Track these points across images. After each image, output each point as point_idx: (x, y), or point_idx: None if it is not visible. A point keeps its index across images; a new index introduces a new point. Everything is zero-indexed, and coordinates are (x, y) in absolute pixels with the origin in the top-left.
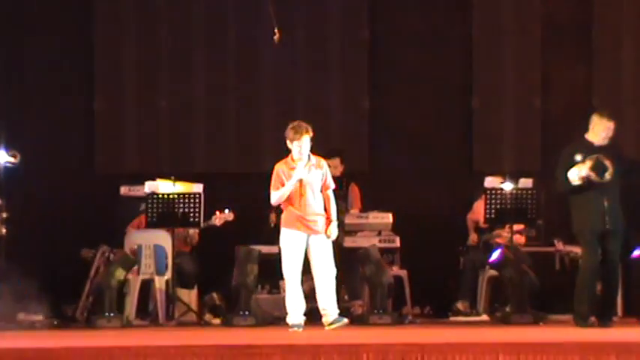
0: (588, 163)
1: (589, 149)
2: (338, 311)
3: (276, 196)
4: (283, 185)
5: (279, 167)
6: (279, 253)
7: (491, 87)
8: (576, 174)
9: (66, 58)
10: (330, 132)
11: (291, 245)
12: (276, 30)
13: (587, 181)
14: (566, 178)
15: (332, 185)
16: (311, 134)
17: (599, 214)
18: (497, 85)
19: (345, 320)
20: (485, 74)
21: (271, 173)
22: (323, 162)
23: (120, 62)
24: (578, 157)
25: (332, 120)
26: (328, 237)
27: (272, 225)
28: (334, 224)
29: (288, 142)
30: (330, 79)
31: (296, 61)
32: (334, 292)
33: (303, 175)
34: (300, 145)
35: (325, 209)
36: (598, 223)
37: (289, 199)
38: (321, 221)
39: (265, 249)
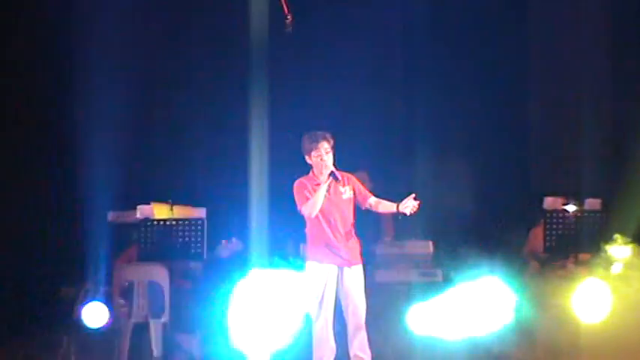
0: None
1: None
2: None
3: (308, 208)
4: (311, 195)
5: (301, 180)
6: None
7: (551, 89)
8: None
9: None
10: (355, 141)
11: (316, 279)
12: (288, 15)
13: None
14: None
15: (369, 194)
16: (331, 142)
17: None
18: (558, 87)
19: None
20: (544, 74)
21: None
22: (350, 177)
23: (102, 57)
24: None
25: (358, 127)
26: (402, 211)
27: (289, 257)
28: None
29: (306, 157)
30: (357, 79)
31: (313, 56)
32: (365, 334)
33: (338, 180)
34: (320, 153)
35: (383, 208)
36: None
37: (313, 226)
38: (355, 249)
39: None
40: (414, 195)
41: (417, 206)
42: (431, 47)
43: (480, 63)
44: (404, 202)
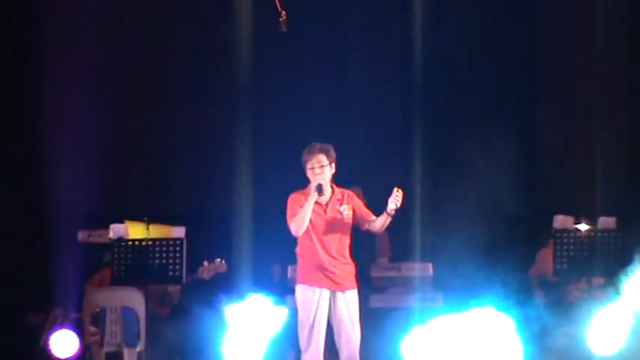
0: None
1: None
2: None
3: (295, 223)
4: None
5: (295, 195)
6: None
7: (562, 97)
8: None
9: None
10: (350, 153)
11: (307, 305)
12: (282, 13)
13: None
14: None
15: (370, 214)
16: (332, 155)
17: None
18: (570, 95)
19: None
20: (554, 80)
21: (285, 206)
22: (352, 196)
23: (74, 65)
24: None
25: (353, 137)
26: (391, 210)
27: (275, 280)
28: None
29: (305, 170)
30: (353, 84)
31: (306, 58)
32: None
33: (323, 194)
34: (313, 166)
35: (380, 223)
36: None
37: (305, 245)
38: (349, 272)
39: None
40: (397, 188)
41: (400, 195)
42: (431, 54)
43: (487, 72)
44: (389, 200)
